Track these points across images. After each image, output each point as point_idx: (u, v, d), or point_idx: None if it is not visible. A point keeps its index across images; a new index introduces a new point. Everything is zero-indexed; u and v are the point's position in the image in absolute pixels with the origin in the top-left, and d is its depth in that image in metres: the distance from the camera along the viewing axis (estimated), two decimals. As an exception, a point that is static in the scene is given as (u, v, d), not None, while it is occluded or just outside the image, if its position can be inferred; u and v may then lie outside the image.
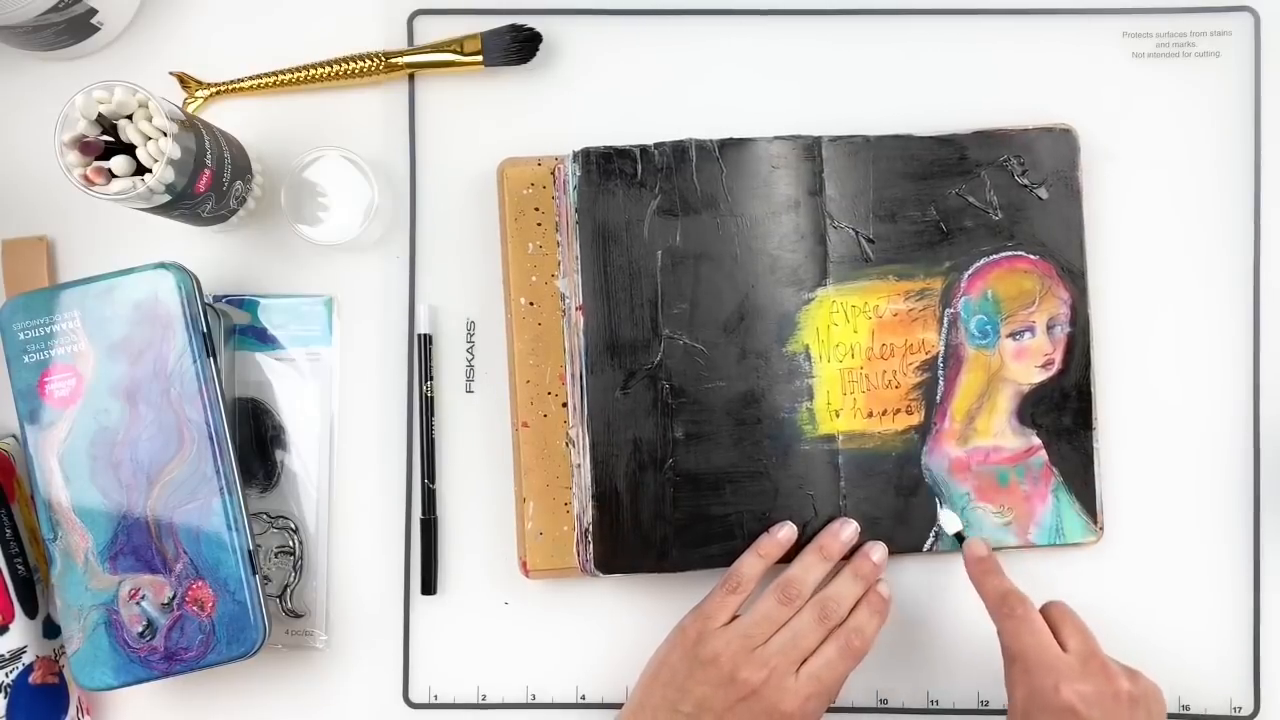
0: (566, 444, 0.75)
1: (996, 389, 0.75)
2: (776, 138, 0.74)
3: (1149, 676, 0.68)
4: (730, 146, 0.73)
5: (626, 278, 0.73)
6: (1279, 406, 0.76)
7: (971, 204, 0.74)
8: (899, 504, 0.75)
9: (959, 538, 0.74)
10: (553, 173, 0.74)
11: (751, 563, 0.72)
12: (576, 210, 0.73)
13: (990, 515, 0.75)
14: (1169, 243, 0.77)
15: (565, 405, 0.74)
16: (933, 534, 0.75)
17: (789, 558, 0.73)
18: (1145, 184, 0.76)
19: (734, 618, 0.71)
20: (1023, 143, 0.74)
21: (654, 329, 0.73)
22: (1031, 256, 0.74)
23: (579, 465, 0.74)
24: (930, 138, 0.74)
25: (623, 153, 0.73)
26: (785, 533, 0.73)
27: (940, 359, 0.75)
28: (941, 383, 0.75)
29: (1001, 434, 0.75)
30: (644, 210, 0.73)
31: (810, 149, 0.74)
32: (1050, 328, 0.75)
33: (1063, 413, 0.75)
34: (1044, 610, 0.70)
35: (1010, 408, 0.75)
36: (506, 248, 0.75)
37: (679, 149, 0.73)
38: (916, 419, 0.75)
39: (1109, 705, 0.66)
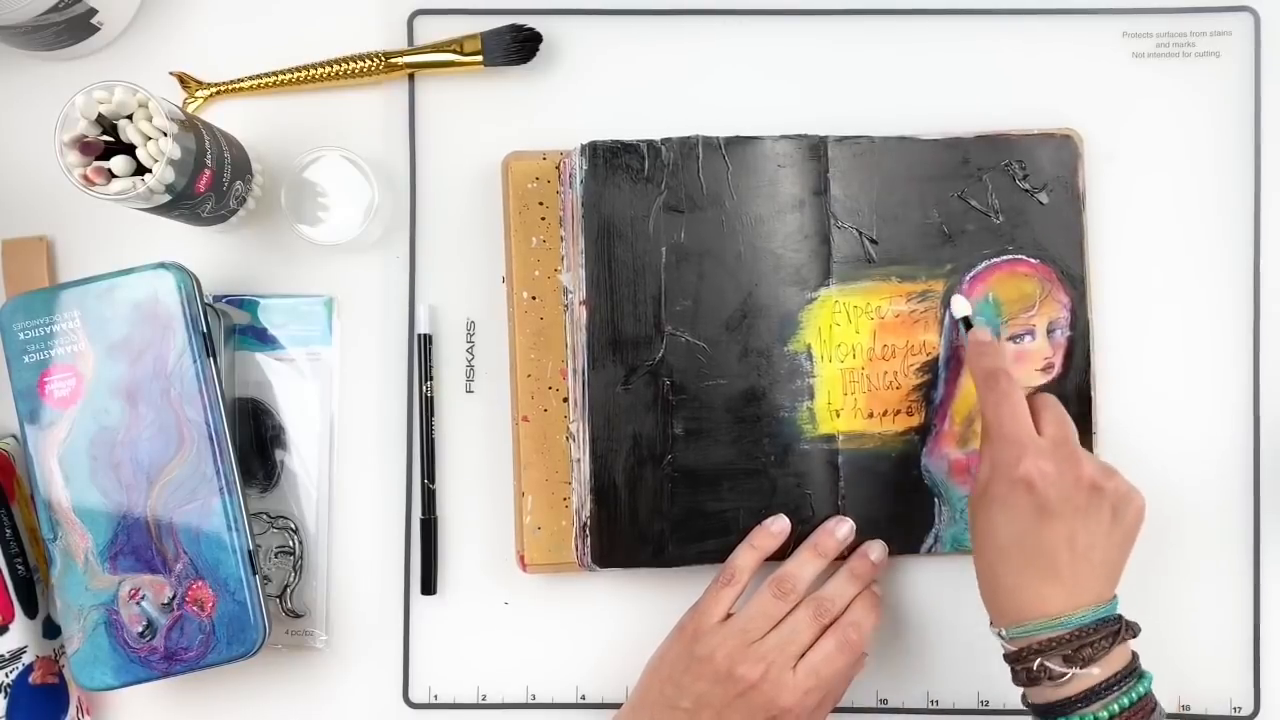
0: (566, 439, 0.74)
1: (997, 391, 0.75)
2: (783, 137, 0.74)
3: (1131, 483, 0.66)
4: (736, 144, 0.73)
5: (630, 273, 0.73)
6: (1279, 408, 0.76)
7: (973, 207, 0.74)
8: (898, 505, 0.75)
9: (966, 323, 0.73)
10: (558, 167, 0.74)
11: (746, 555, 0.72)
12: (582, 204, 0.73)
13: (990, 517, 0.75)
14: (1169, 243, 0.77)
15: (566, 400, 0.74)
16: (932, 535, 0.75)
17: (785, 555, 0.73)
18: (1145, 183, 0.77)
19: (730, 614, 0.71)
20: (1024, 148, 0.74)
21: (656, 325, 0.73)
22: (1032, 260, 0.75)
23: (578, 460, 0.74)
24: (934, 141, 0.74)
25: (629, 147, 0.73)
26: (779, 525, 0.73)
27: (941, 361, 0.75)
28: (942, 385, 0.75)
29: (1001, 436, 0.75)
30: (649, 206, 0.73)
31: (816, 149, 0.74)
32: (1050, 331, 0.75)
33: (1062, 416, 0.75)
34: (1031, 397, 0.69)
35: (1010, 410, 0.75)
36: (510, 242, 0.75)
37: (686, 145, 0.73)
38: (917, 420, 0.75)
39: (1068, 487, 0.64)
